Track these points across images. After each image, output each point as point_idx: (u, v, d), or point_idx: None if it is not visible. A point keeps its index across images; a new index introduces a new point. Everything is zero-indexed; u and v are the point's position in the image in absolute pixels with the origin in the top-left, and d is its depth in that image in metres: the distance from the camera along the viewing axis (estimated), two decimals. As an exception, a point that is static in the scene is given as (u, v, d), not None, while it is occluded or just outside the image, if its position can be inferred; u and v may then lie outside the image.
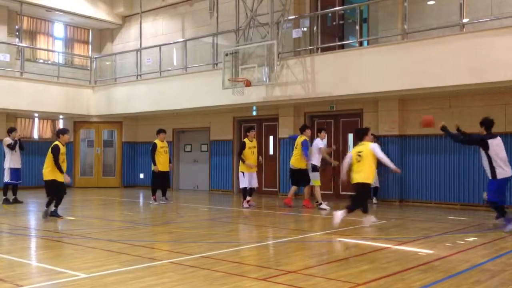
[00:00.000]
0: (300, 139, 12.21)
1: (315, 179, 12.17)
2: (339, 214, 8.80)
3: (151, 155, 13.15)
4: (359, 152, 8.96)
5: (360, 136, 9.37)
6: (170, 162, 13.54)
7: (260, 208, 12.19)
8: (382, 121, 13.71)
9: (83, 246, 7.23)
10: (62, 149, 9.90)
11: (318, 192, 12.18)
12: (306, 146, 12.04)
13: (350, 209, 8.93)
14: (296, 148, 12.31)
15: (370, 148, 8.90)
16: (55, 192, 9.85)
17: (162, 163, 13.10)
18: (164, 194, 13.46)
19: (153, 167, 13.11)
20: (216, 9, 15.87)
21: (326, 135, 13.08)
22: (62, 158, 9.89)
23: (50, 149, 9.75)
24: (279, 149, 15.79)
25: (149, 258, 6.34)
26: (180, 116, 18.35)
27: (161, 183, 13.33)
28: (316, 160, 12.19)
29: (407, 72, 11.58)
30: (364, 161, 8.86)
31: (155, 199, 13.12)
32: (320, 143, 12.30)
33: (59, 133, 10.14)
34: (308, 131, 12.35)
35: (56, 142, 9.86)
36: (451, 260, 6.31)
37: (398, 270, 5.70)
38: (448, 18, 12.03)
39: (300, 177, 12.23)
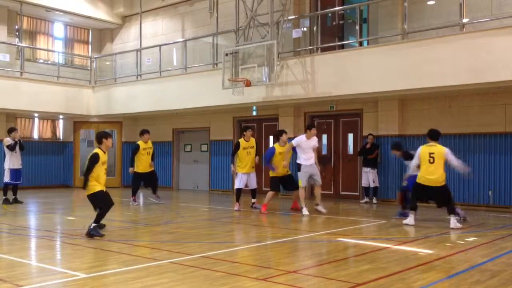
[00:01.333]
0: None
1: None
2: (455, 223, 9.04)
3: (131, 156, 13.04)
4: (431, 153, 9.12)
5: (435, 137, 9.39)
6: (152, 160, 13.18)
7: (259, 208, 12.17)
8: (382, 121, 13.71)
9: (83, 246, 7.23)
10: (103, 157, 7.92)
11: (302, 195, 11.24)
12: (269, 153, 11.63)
13: (453, 211, 9.20)
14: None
15: (444, 153, 9.09)
16: (101, 204, 8.01)
17: (143, 164, 12.92)
18: (154, 192, 13.30)
19: (130, 169, 13.07)
20: (216, 9, 15.86)
21: (315, 131, 11.41)
22: (104, 168, 7.98)
23: (88, 158, 7.89)
24: (279, 149, 15.76)
25: (149, 258, 6.34)
26: (180, 116, 18.34)
27: (145, 183, 13.28)
28: (301, 159, 11.16)
29: (407, 72, 11.57)
30: (437, 162, 9.06)
31: (134, 200, 13.04)
32: (301, 142, 11.10)
33: (101, 137, 7.99)
34: (284, 136, 11.57)
35: (96, 150, 7.92)
36: (451, 260, 6.31)
37: (398, 270, 5.70)
38: (448, 18, 12.03)
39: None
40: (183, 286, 5.04)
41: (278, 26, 13.62)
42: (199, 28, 17.68)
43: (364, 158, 13.58)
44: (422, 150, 9.25)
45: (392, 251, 6.95)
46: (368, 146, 13.48)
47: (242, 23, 14.29)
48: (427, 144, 9.33)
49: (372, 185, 13.47)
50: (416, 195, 9.43)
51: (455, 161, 9.14)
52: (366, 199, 13.60)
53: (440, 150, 9.11)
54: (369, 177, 13.45)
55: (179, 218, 10.70)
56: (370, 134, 13.57)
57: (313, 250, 7.31)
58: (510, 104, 11.96)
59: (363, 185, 13.70)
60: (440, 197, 9.25)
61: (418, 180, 9.24)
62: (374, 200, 13.41)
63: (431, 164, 9.07)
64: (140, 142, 13.01)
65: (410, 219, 9.31)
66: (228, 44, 15.20)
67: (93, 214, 8.05)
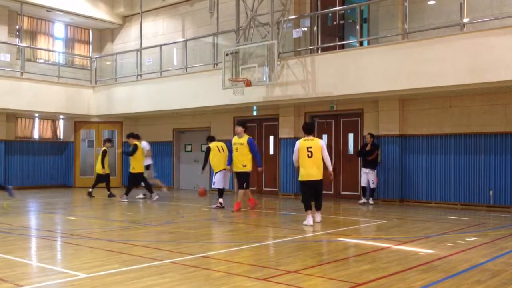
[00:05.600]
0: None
1: None
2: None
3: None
4: (309, 147, 9.16)
5: (311, 130, 9.47)
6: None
7: (260, 208, 12.18)
8: (382, 121, 13.70)
9: (83, 246, 7.23)
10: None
11: None
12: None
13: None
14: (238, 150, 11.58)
15: (320, 144, 9.21)
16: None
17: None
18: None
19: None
20: (216, 9, 15.88)
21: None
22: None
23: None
24: (279, 149, 15.79)
25: (149, 258, 6.33)
26: (180, 116, 18.35)
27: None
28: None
29: (407, 72, 11.58)
30: (316, 155, 9.14)
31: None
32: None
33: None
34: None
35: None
36: (452, 260, 6.31)
37: (399, 270, 5.70)
38: (448, 18, 12.04)
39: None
40: (183, 286, 5.04)
41: (279, 26, 13.62)
42: (199, 28, 17.69)
43: (363, 159, 13.45)
44: (302, 145, 9.25)
45: (393, 251, 6.95)
46: (368, 148, 13.31)
47: (243, 23, 14.30)
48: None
49: (371, 186, 13.34)
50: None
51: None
52: (363, 200, 13.46)
53: (317, 143, 9.24)
54: (368, 177, 13.36)
55: (179, 218, 10.70)
56: (368, 134, 13.42)
57: (313, 250, 7.31)
58: (510, 104, 11.96)
59: (362, 185, 13.60)
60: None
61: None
62: (371, 201, 13.29)
63: (310, 158, 9.15)
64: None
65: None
66: (229, 44, 15.21)
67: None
